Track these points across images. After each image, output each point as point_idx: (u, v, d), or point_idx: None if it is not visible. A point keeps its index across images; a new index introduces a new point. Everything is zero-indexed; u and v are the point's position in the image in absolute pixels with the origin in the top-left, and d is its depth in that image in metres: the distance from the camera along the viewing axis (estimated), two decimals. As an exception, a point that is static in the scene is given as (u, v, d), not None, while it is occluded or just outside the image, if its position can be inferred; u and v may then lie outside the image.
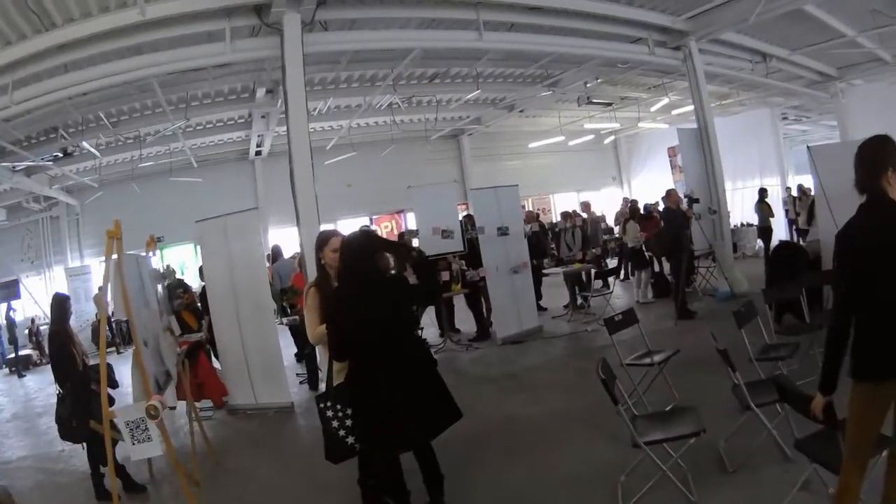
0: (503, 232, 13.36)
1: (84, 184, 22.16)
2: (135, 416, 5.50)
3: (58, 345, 7.23)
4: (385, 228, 26.69)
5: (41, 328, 21.32)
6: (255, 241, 10.99)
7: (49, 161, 17.32)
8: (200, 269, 13.09)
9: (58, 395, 7.07)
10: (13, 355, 20.28)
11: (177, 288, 12.45)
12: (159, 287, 8.24)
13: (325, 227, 9.75)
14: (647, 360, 7.54)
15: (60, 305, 7.39)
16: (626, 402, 5.81)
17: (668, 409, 6.50)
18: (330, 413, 5.16)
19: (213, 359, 11.34)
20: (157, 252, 8.65)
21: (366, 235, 5.48)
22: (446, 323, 13.98)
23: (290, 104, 10.74)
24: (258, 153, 23.76)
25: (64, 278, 22.61)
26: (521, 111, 23.50)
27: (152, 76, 11.78)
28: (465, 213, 15.55)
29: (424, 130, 23.98)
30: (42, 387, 16.14)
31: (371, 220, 26.34)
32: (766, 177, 25.10)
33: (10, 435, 11.63)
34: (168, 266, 8.75)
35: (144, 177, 22.61)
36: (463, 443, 7.06)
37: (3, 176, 17.35)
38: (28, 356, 20.93)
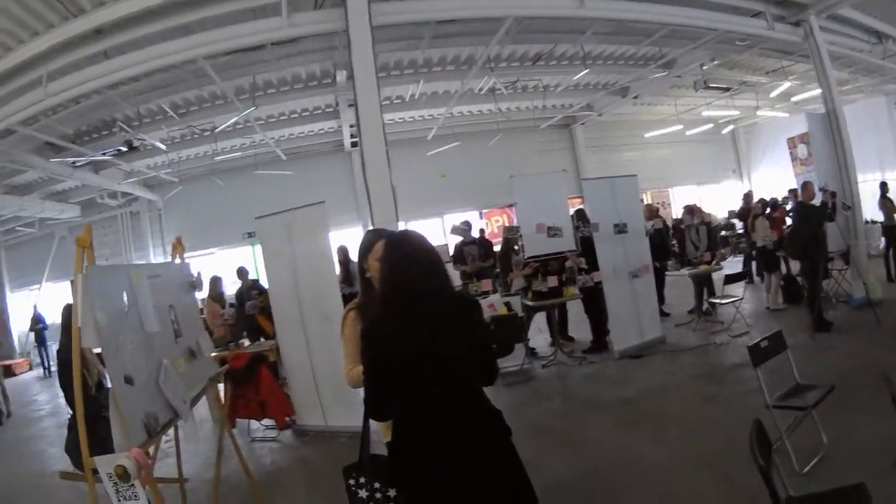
0: (621, 229, 11.68)
1: (164, 179, 21.69)
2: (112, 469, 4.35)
3: (63, 362, 6.58)
4: (496, 223, 25.32)
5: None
6: (322, 240, 9.62)
7: (112, 155, 16.60)
8: (240, 270, 12.68)
9: (69, 419, 6.35)
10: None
11: (251, 290, 12.24)
12: (185, 299, 7.02)
13: (399, 225, 8.88)
14: (799, 402, 5.96)
15: (69, 316, 5.84)
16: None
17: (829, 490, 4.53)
18: (363, 494, 3.65)
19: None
20: (183, 257, 7.58)
21: (416, 238, 3.72)
22: (558, 330, 12.45)
23: (359, 84, 9.53)
24: (354, 144, 21.80)
25: None
26: (635, 97, 21.80)
27: (201, 57, 10.61)
28: (576, 208, 13.59)
29: (533, 119, 22.39)
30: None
31: (481, 214, 25.25)
32: (886, 170, 22.67)
33: (56, 443, 10.71)
34: (198, 274, 7.18)
35: (228, 171, 22.18)
36: (562, 490, 6.00)
37: (61, 171, 16.86)
38: None
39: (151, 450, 5.21)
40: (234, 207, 20.71)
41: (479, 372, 3.41)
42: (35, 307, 23.34)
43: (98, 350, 5.03)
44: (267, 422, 9.93)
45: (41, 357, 22.38)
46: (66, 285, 23.52)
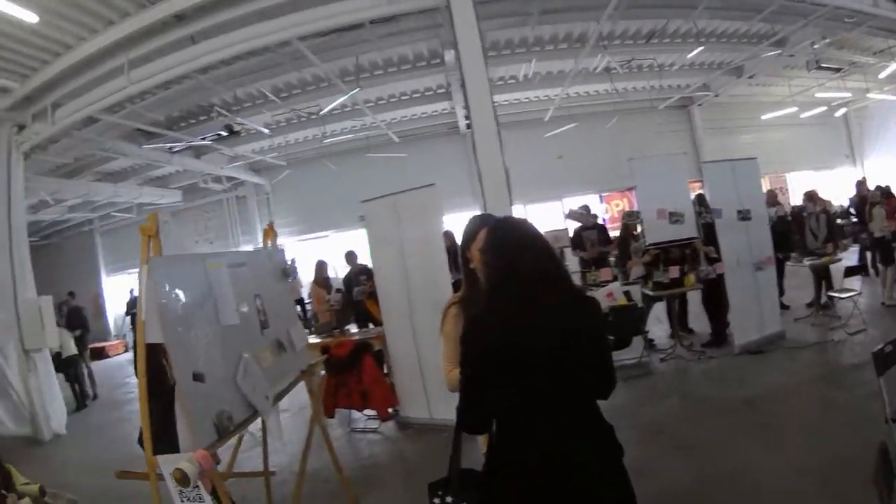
0: (744, 216, 10.77)
1: (270, 163, 21.64)
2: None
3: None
4: (616, 207, 24.36)
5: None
6: (433, 225, 9.02)
7: (212, 140, 16.49)
8: (349, 254, 12.48)
9: None
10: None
11: (359, 274, 11.69)
12: (276, 288, 6.63)
13: (511, 209, 8.67)
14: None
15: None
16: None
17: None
18: (449, 513, 3.05)
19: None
20: (276, 244, 7.35)
21: (523, 223, 3.17)
22: (678, 321, 11.62)
23: (465, 62, 9.12)
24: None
25: None
26: (751, 77, 20.73)
27: (295, 38, 10.30)
28: (696, 193, 12.86)
29: (650, 100, 21.75)
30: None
31: (601, 197, 24.29)
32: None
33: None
34: (292, 261, 6.75)
35: (338, 154, 21.92)
36: (671, 500, 5.55)
37: (157, 158, 16.96)
38: None
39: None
40: (346, 190, 20.05)
41: (595, 382, 2.90)
42: (132, 291, 23.65)
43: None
44: (369, 412, 9.53)
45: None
46: None
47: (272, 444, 6.75)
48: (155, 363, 4.64)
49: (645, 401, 8.55)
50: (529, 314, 2.77)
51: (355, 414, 9.76)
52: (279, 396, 5.76)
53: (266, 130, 16.89)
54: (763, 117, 25.57)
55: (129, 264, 26.18)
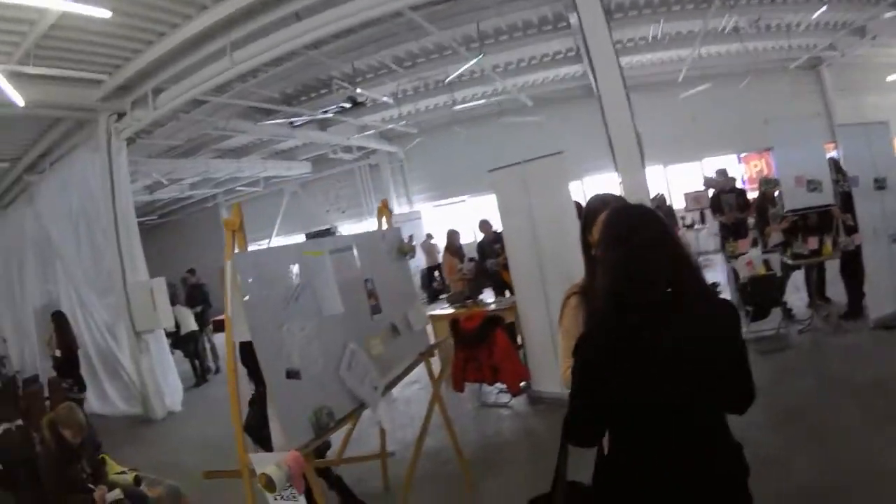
0: (880, 185, 9.95)
1: (402, 131, 21.48)
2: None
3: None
4: (754, 168, 23.06)
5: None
6: (562, 194, 8.54)
7: (335, 113, 16.31)
8: (483, 222, 12.02)
9: (252, 395, 5.45)
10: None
11: (493, 243, 11.34)
12: (391, 268, 6.53)
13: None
14: None
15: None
16: None
17: None
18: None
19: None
20: (390, 220, 7.06)
21: (648, 215, 2.67)
22: (816, 290, 10.90)
23: (586, 24, 8.62)
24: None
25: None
26: (874, 38, 19.06)
27: (407, 7, 9.95)
28: (828, 156, 11.68)
29: (780, 60, 20.69)
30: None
31: (739, 158, 23.00)
32: None
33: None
34: (410, 238, 6.46)
35: (470, 120, 21.46)
36: (798, 499, 4.96)
37: (278, 132, 17.07)
38: None
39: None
40: (482, 155, 19.03)
41: (729, 395, 2.50)
42: None
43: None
44: (500, 385, 9.13)
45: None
46: (297, 239, 24.29)
47: (396, 421, 6.56)
48: (252, 359, 4.44)
49: (780, 379, 8.03)
50: (654, 317, 2.40)
51: (486, 387, 9.44)
52: (393, 383, 5.61)
53: (390, 101, 16.71)
54: (888, 79, 23.61)
55: (257, 236, 26.53)
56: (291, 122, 16.83)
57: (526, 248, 8.74)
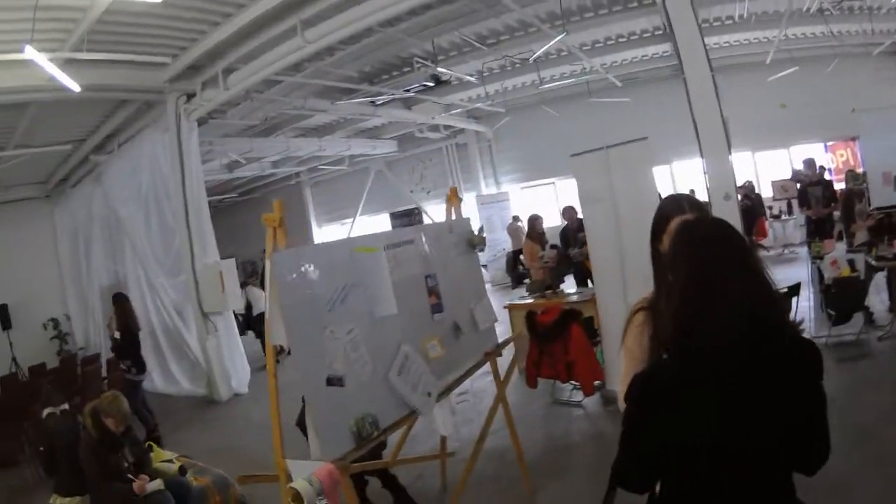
0: None
1: (490, 110, 20.88)
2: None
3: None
4: (840, 158, 21.88)
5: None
6: (647, 182, 8.15)
7: (417, 91, 16.06)
8: (566, 209, 11.65)
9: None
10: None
11: (578, 231, 10.98)
12: (459, 262, 6.18)
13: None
14: None
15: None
16: None
17: None
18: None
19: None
20: (459, 210, 6.63)
21: (727, 235, 2.26)
22: None
23: (670, 5, 8.40)
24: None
25: (475, 205, 21.74)
26: None
27: None
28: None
29: (864, 45, 19.44)
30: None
31: (826, 146, 21.86)
32: None
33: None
34: (480, 229, 6.13)
35: (559, 99, 20.88)
36: None
37: (359, 111, 16.88)
38: None
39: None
40: (569, 136, 18.70)
41: (800, 450, 2.16)
42: None
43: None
44: (574, 383, 8.70)
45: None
46: (381, 218, 25.15)
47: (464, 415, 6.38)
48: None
49: (857, 391, 7.48)
50: (725, 357, 2.05)
51: (559, 384, 9.02)
52: (453, 386, 5.32)
53: (473, 79, 16.35)
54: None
55: (341, 214, 27.15)
56: (373, 101, 16.60)
57: (607, 238, 8.32)
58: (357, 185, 26.30)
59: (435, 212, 23.58)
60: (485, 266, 21.59)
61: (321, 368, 4.03)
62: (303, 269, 4.11)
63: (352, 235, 24.96)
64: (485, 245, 6.68)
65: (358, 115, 18.02)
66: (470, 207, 21.93)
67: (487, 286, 20.69)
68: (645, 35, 16.77)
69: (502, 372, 6.21)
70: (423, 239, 5.57)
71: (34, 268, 19.08)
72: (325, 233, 27.98)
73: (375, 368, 4.41)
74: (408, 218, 23.89)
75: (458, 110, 20.43)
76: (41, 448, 7.94)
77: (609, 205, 8.19)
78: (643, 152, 8.10)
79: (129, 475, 6.02)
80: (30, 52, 7.64)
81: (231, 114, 14.13)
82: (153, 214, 13.37)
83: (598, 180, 8.28)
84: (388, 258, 4.82)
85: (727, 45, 17.93)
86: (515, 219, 21.05)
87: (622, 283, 8.06)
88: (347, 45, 11.50)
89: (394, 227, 23.71)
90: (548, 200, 22.13)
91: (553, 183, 23.01)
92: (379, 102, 16.75)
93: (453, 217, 6.45)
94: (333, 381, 4.05)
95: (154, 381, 13.96)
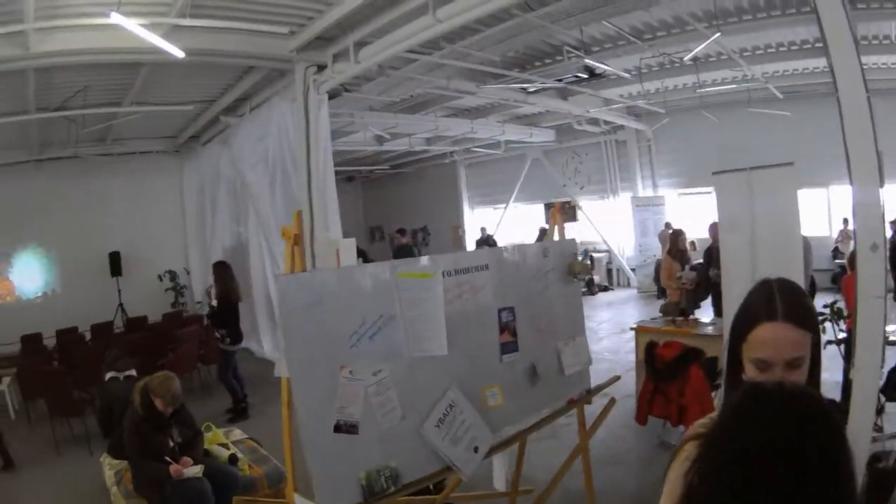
0: None
1: (650, 109, 19.74)
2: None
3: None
4: None
5: (593, 254, 21.71)
6: (789, 214, 7.50)
7: (569, 83, 15.54)
8: (713, 225, 10.51)
9: None
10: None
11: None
12: (552, 292, 5.41)
13: None
14: None
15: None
16: None
17: None
18: None
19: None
20: (563, 231, 5.98)
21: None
22: None
23: (822, 9, 6.91)
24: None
25: (629, 207, 21.42)
26: None
27: None
28: None
29: None
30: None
31: None
32: None
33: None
34: (585, 254, 5.45)
35: (719, 105, 19.54)
36: None
37: (512, 97, 16.19)
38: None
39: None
40: (729, 145, 18.21)
41: None
42: (483, 229, 23.30)
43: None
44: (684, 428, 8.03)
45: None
46: (534, 207, 24.70)
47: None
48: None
49: None
50: None
51: (670, 425, 8.21)
52: (515, 439, 4.80)
53: (626, 75, 15.37)
54: None
55: (495, 199, 26.67)
56: (524, 88, 16.05)
57: (741, 269, 7.63)
58: (512, 171, 25.73)
59: (589, 208, 23.16)
60: (633, 270, 21.43)
61: (328, 411, 3.60)
62: (316, 298, 3.59)
63: (504, 222, 25.09)
64: (588, 274, 5.87)
65: (511, 101, 17.44)
66: (625, 209, 21.74)
67: (633, 293, 20.94)
68: (805, 46, 15.43)
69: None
70: (503, 264, 4.91)
71: (157, 220, 19.83)
72: (476, 215, 27.71)
73: (406, 416, 3.90)
74: (561, 210, 23.08)
75: (618, 105, 19.50)
76: (100, 409, 8.01)
77: (746, 231, 7.62)
78: (787, 178, 7.53)
79: (168, 457, 5.99)
80: (115, 18, 7.53)
81: (367, 89, 13.82)
82: (278, 182, 13.36)
83: (738, 203, 7.74)
84: (449, 286, 4.25)
85: (885, 66, 16.49)
86: (667, 226, 20.00)
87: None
88: (485, 27, 11.00)
89: (547, 219, 23.40)
90: (704, 211, 21.12)
91: (711, 193, 21.52)
92: (532, 90, 16.24)
93: (556, 237, 5.79)
94: (344, 428, 3.61)
95: (264, 347, 14.37)
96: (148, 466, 5.96)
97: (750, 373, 2.02)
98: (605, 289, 21.23)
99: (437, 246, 28.19)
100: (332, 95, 12.46)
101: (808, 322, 2.02)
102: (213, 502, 5.97)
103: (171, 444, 6.12)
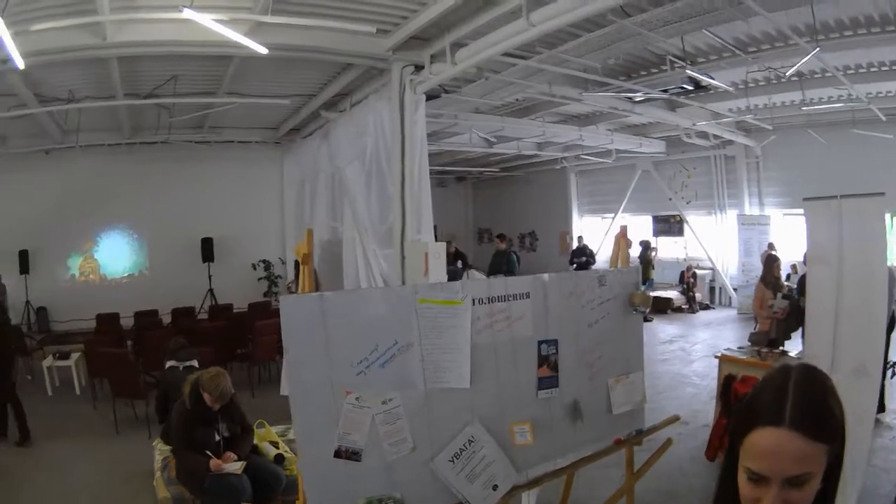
0: None
1: (758, 124, 19.19)
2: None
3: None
4: None
5: (697, 272, 21.34)
6: (876, 241, 6.93)
7: (675, 94, 15.10)
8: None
9: None
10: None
11: None
12: (610, 326, 5.07)
13: None
14: None
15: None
16: None
17: None
18: None
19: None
20: (626, 254, 5.66)
21: None
22: None
23: None
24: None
25: (735, 225, 20.86)
26: None
27: None
28: None
29: None
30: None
31: None
32: None
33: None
34: (648, 285, 5.07)
35: (826, 125, 18.85)
36: None
37: (617, 105, 15.80)
38: (667, 299, 20.43)
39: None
40: (835, 167, 17.55)
41: None
42: (579, 238, 22.99)
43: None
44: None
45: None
46: (643, 219, 24.20)
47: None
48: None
49: None
50: None
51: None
52: (543, 479, 4.47)
53: (730, 88, 14.88)
54: None
55: (604, 208, 26.31)
56: (629, 98, 15.67)
57: (824, 301, 7.06)
58: (622, 181, 25.21)
59: (696, 223, 22.59)
60: (735, 290, 20.87)
61: (327, 435, 3.52)
62: (319, 321, 3.50)
63: (610, 232, 24.16)
64: (648, 306, 5.42)
65: (617, 110, 16.97)
66: (730, 227, 21.25)
67: (733, 313, 20.47)
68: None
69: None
70: (548, 293, 4.55)
71: (254, 209, 20.34)
72: (585, 223, 27.31)
73: (418, 447, 3.76)
74: (667, 224, 23.39)
75: (727, 120, 18.81)
76: (157, 395, 8.29)
77: (833, 260, 7.05)
78: (876, 208, 6.96)
79: (211, 451, 6.12)
80: (188, 13, 7.70)
81: (469, 91, 13.74)
82: (374, 180, 13.35)
83: (826, 231, 7.20)
84: (480, 314, 4.04)
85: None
86: (770, 246, 19.26)
87: (830, 358, 6.68)
88: (583, 31, 10.79)
89: (656, 232, 23.60)
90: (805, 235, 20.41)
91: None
92: (637, 99, 15.88)
93: (618, 263, 5.44)
94: (345, 455, 3.52)
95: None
96: (189, 457, 6.12)
97: (741, 483, 1.72)
98: (706, 307, 20.79)
99: (544, 252, 28.15)
100: (431, 96, 12.51)
101: (826, 431, 1.62)
102: (251, 499, 6.03)
103: (217, 438, 6.28)
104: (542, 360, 4.49)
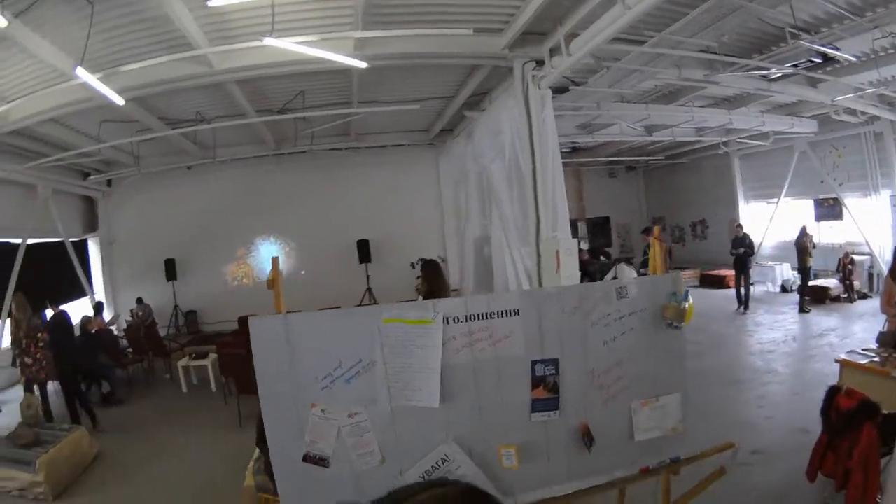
0: None
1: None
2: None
3: None
4: None
5: (854, 257, 20.23)
6: None
7: (805, 69, 14.78)
8: None
9: None
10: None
11: None
12: (630, 344, 4.70)
13: None
14: None
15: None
16: None
17: None
18: None
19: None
20: (662, 261, 5.77)
21: None
22: None
23: None
24: None
25: (888, 206, 19.97)
26: None
27: None
28: None
29: None
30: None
31: None
32: None
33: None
34: (685, 296, 4.35)
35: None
36: None
37: (754, 86, 15.63)
38: (825, 288, 19.54)
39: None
40: None
41: None
42: (739, 226, 21.05)
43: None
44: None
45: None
46: (804, 203, 23.57)
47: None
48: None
49: None
50: None
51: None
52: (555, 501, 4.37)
53: (853, 59, 14.24)
54: None
55: (767, 193, 25.47)
56: (763, 76, 15.24)
57: None
58: (782, 164, 24.22)
59: (853, 205, 21.23)
60: None
61: (298, 444, 3.83)
62: (284, 339, 3.82)
63: (775, 217, 24.39)
64: (681, 321, 4.92)
65: (755, 91, 16.52)
66: (883, 208, 20.24)
67: None
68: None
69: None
70: (544, 309, 4.35)
71: (410, 209, 21.11)
72: (751, 209, 26.62)
73: (388, 461, 3.95)
74: (826, 208, 22.55)
75: (867, 92, 17.40)
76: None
77: None
78: None
79: None
80: (268, 41, 8.39)
81: (596, 82, 13.65)
82: (514, 177, 13.58)
83: None
84: (456, 333, 4.07)
85: None
86: (906, 234, 18.65)
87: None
88: (687, 8, 10.47)
89: (817, 216, 22.85)
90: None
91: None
92: (772, 77, 15.35)
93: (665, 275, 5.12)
94: (312, 460, 3.81)
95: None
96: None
97: None
98: (864, 296, 19.67)
99: (715, 240, 27.43)
100: (559, 90, 12.71)
101: None
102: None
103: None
104: (538, 382, 4.33)
